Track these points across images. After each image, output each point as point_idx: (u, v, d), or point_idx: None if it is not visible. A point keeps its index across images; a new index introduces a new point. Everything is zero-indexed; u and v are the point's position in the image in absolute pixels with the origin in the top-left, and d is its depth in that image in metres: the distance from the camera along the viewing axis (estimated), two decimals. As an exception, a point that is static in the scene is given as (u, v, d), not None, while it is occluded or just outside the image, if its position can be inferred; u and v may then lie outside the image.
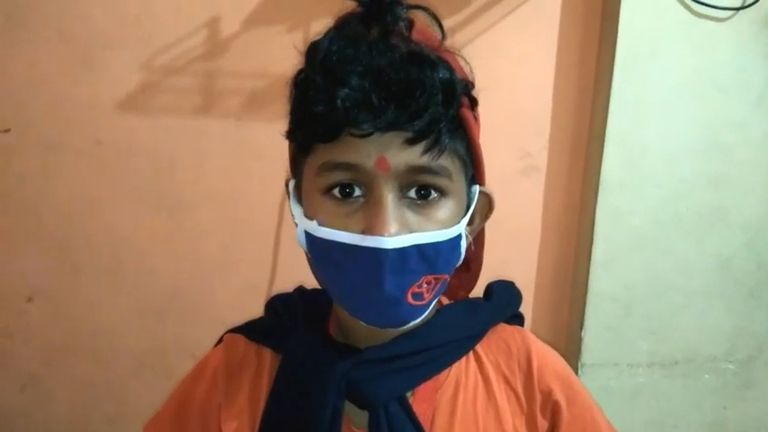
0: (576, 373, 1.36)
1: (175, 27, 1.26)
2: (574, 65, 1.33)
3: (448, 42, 0.55)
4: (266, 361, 0.63)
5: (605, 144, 1.29)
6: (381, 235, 0.48)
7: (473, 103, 0.55)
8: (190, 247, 1.36)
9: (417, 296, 0.53)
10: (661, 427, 1.42)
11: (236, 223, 1.35)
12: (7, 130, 1.28)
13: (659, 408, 1.40)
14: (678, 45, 1.27)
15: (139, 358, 1.41)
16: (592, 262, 1.33)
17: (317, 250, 0.53)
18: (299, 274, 0.69)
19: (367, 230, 0.49)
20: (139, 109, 1.29)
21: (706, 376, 1.40)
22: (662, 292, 1.36)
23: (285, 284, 0.71)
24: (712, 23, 1.27)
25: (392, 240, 0.49)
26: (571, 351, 1.38)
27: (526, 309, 1.40)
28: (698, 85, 1.29)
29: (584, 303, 1.35)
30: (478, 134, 0.57)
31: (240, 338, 0.66)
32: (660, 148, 1.30)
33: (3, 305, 1.38)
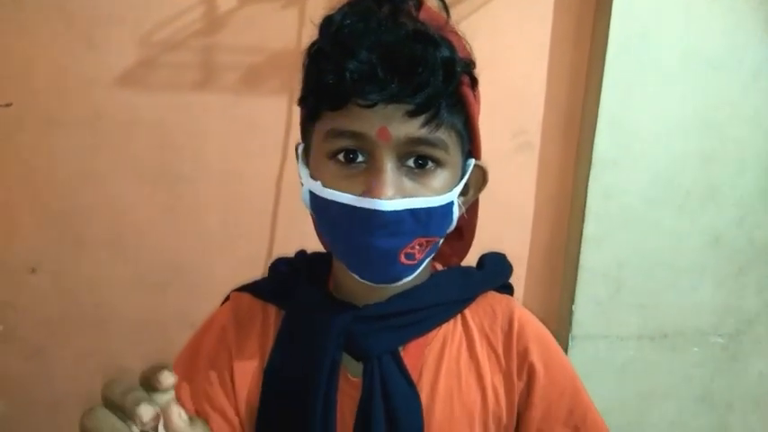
0: (567, 345, 1.39)
1: (173, 3, 1.27)
2: (568, 43, 1.34)
3: (453, 23, 0.58)
4: (271, 316, 0.67)
5: (598, 121, 1.30)
6: (379, 198, 0.52)
7: (473, 82, 0.58)
8: (189, 221, 1.38)
9: (409, 256, 0.57)
10: (650, 398, 1.45)
11: (235, 196, 1.37)
12: (9, 105, 1.30)
13: (648, 379, 1.44)
14: (672, 23, 1.28)
15: (140, 329, 1.44)
16: (583, 238, 1.36)
17: (320, 209, 0.57)
18: (296, 246, 0.74)
19: (366, 193, 0.53)
20: (139, 84, 1.31)
21: (694, 349, 1.43)
22: (652, 267, 1.39)
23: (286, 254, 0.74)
24: (706, 1, 1.27)
25: (388, 203, 0.53)
26: (562, 324, 1.41)
27: (519, 283, 1.44)
28: (691, 63, 1.30)
29: (575, 278, 1.37)
30: (478, 112, 0.60)
31: (246, 296, 0.70)
32: (652, 125, 1.32)
33: (7, 277, 1.41)
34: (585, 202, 1.34)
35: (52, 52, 1.29)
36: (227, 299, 0.72)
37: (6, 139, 1.33)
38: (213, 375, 0.66)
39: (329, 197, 0.55)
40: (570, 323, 1.39)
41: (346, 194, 0.54)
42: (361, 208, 0.53)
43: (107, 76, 1.30)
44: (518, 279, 1.44)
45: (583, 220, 1.35)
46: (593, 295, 1.38)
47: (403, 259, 0.56)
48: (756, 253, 1.41)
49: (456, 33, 0.58)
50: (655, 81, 1.30)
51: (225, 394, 0.65)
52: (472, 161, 0.61)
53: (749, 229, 1.39)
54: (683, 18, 1.27)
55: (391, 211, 0.53)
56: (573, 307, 1.38)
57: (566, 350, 1.35)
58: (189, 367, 0.68)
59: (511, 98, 1.35)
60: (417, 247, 0.57)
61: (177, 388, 0.66)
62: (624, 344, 1.41)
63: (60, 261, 1.40)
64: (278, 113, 1.29)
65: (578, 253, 1.36)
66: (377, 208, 0.53)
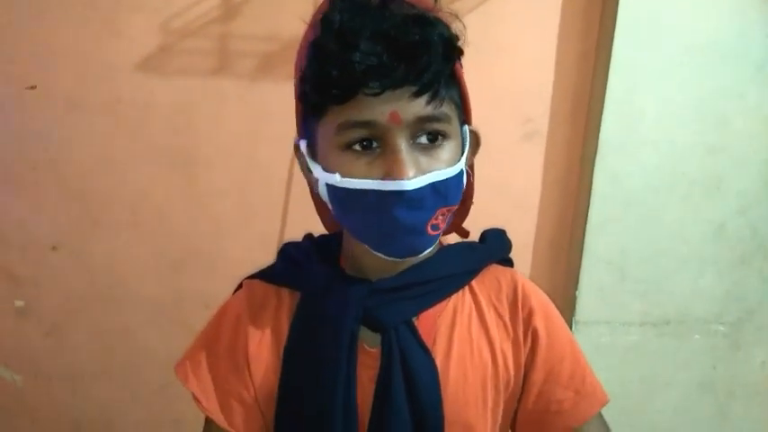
0: (570, 330, 1.42)
1: (191, -9, 1.31)
2: (576, 30, 1.36)
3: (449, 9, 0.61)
4: (285, 299, 0.70)
5: (604, 110, 1.32)
6: (401, 179, 0.55)
7: (460, 53, 0.61)
8: (204, 203, 1.42)
9: (435, 227, 0.60)
10: (652, 384, 1.47)
11: (249, 180, 1.41)
12: (33, 87, 1.35)
13: (650, 365, 1.46)
14: (680, 12, 1.29)
15: (156, 308, 1.49)
16: (588, 225, 1.38)
17: (340, 199, 0.60)
18: (307, 229, 0.76)
19: (387, 176, 0.56)
20: (157, 70, 1.35)
21: (696, 337, 1.45)
22: (656, 255, 1.41)
23: (295, 239, 0.76)
24: (713, -9, 1.29)
25: (411, 183, 0.55)
26: (566, 309, 1.44)
27: (525, 267, 1.46)
28: (698, 52, 1.31)
29: (579, 264, 1.40)
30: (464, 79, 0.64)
31: (258, 282, 0.72)
32: (658, 113, 1.34)
33: (29, 254, 1.46)
34: (591, 190, 1.36)
35: (75, 37, 1.33)
36: (239, 287, 0.74)
37: (30, 120, 1.38)
38: (232, 365, 0.69)
39: (351, 186, 0.57)
40: (574, 308, 1.42)
41: (369, 180, 0.56)
42: (386, 191, 0.56)
43: (127, 61, 1.35)
44: (524, 264, 1.47)
45: (588, 208, 1.37)
46: (597, 281, 1.41)
47: (430, 230, 0.60)
48: (759, 242, 1.42)
49: (441, 11, 0.60)
50: (662, 70, 1.32)
51: (244, 384, 0.68)
52: (466, 127, 0.65)
53: (753, 219, 1.41)
54: (690, 7, 1.29)
55: (415, 189, 0.56)
56: (576, 293, 1.41)
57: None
58: (208, 357, 0.70)
59: (519, 86, 1.37)
60: (440, 217, 0.60)
61: (199, 381, 0.69)
62: (627, 330, 1.44)
63: (80, 240, 1.45)
64: (292, 99, 1.30)
65: (583, 239, 1.39)
66: (402, 189, 0.55)
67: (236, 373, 0.68)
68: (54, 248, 1.45)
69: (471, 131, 0.66)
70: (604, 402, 0.69)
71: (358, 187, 0.57)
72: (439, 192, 0.58)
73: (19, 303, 1.49)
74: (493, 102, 1.34)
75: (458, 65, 0.61)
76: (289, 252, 0.73)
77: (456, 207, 0.63)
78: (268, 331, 0.69)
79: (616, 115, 1.33)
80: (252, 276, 0.73)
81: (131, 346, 1.52)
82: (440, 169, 0.58)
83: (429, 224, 0.59)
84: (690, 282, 1.43)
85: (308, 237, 0.75)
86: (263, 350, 0.68)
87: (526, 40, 1.36)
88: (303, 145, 0.64)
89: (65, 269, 1.47)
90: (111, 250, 1.46)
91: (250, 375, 0.68)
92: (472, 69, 0.65)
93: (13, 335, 1.51)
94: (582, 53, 1.38)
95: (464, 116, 0.64)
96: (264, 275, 0.72)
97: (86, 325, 1.50)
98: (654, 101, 1.33)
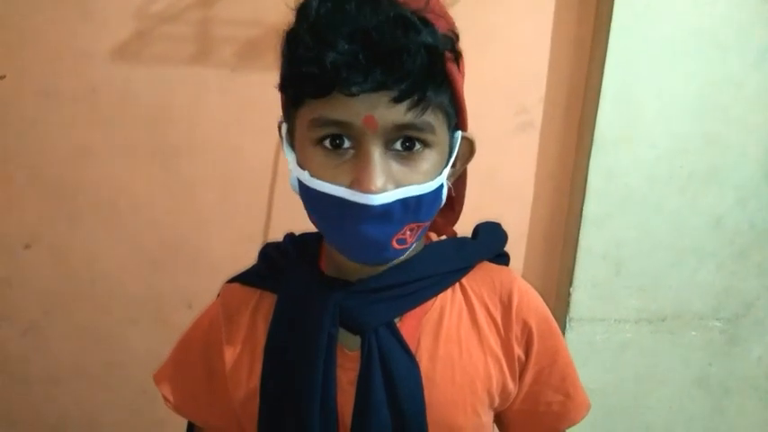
0: (564, 327, 1.39)
1: (169, -26, 1.25)
2: (571, 20, 1.32)
3: None
4: (264, 300, 0.68)
5: (600, 100, 1.28)
6: (369, 191, 0.52)
7: (457, 55, 0.57)
8: (185, 197, 1.37)
9: (401, 241, 0.57)
10: (647, 381, 1.45)
11: (232, 172, 1.36)
12: (3, 77, 1.28)
13: (646, 363, 1.43)
14: (678, 1, 1.25)
15: (136, 306, 1.44)
16: (583, 219, 1.34)
17: (309, 198, 0.57)
18: (293, 224, 0.73)
19: (355, 184, 0.53)
20: (134, 57, 1.29)
21: (693, 333, 1.43)
22: (652, 249, 1.37)
23: (280, 234, 0.74)
24: (713, -22, 1.25)
25: (378, 197, 0.52)
26: (559, 306, 1.40)
27: (517, 263, 1.42)
28: (696, 43, 1.27)
29: (574, 259, 1.36)
30: (462, 84, 0.59)
31: (236, 286, 0.71)
32: (655, 105, 1.30)
33: (1, 252, 1.40)
34: (586, 183, 1.32)
35: (46, 24, 1.27)
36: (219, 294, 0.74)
37: (1, 111, 1.31)
38: (206, 371, 0.69)
39: (318, 188, 0.55)
40: (568, 305, 1.38)
41: (335, 186, 0.53)
42: (351, 201, 0.53)
43: (102, 48, 1.28)
44: (517, 259, 1.43)
45: (583, 201, 1.33)
46: (591, 277, 1.37)
47: (395, 244, 0.57)
48: (757, 236, 1.39)
49: (439, 5, 0.56)
50: (659, 60, 1.27)
51: (221, 388, 0.67)
52: (459, 134, 0.61)
53: (751, 212, 1.38)
54: (688, -5, 1.25)
55: (381, 205, 0.53)
56: (571, 289, 1.37)
57: (563, 333, 1.35)
58: (184, 365, 0.72)
59: (512, 76, 1.33)
60: (408, 232, 0.57)
61: (173, 389, 0.71)
62: (622, 327, 1.41)
63: (56, 236, 1.39)
64: (275, 88, 1.27)
65: (578, 234, 1.35)
66: (367, 203, 0.52)
67: (212, 378, 0.69)
68: (27, 246, 1.39)
69: (464, 138, 0.62)
70: (589, 409, 0.70)
71: (325, 191, 0.54)
72: (409, 207, 0.55)
73: (-9, 304, 1.44)
74: (485, 91, 1.29)
75: (452, 67, 0.55)
76: (268, 253, 0.72)
77: (428, 223, 0.60)
78: (244, 334, 0.67)
79: (612, 105, 1.28)
80: (232, 280, 0.73)
81: (112, 346, 1.47)
82: (415, 183, 0.54)
83: (395, 238, 0.56)
84: (687, 276, 1.40)
85: (289, 236, 0.73)
86: (240, 354, 0.67)
87: (519, 26, 1.31)
88: (284, 129, 0.62)
89: (41, 266, 1.41)
90: (89, 246, 1.40)
91: (227, 380, 0.67)
92: (464, 57, 0.60)
93: (-14, 336, 1.46)
94: (577, 41, 1.33)
95: (457, 121, 0.60)
96: (243, 278, 0.72)
97: (64, 325, 1.45)
98: (651, 91, 1.29)
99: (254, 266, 0.73)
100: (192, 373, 0.71)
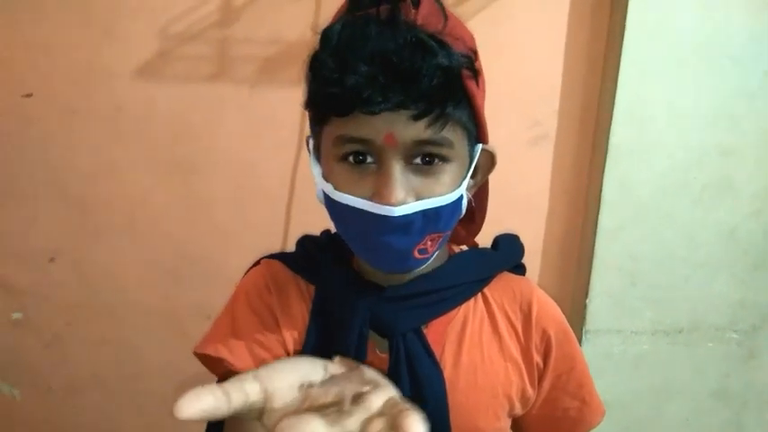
0: (580, 339, 1.39)
1: (190, -5, 1.29)
2: (584, 34, 1.33)
3: (457, 12, 0.59)
4: (302, 287, 0.70)
5: (614, 112, 1.29)
6: (389, 203, 0.55)
7: (476, 72, 0.59)
8: (204, 212, 1.40)
9: (422, 251, 0.60)
10: (664, 393, 1.44)
11: (250, 188, 1.38)
12: (29, 95, 1.33)
13: (662, 375, 1.43)
14: (690, 13, 1.26)
15: (156, 318, 1.46)
16: (598, 230, 1.35)
17: (334, 209, 0.61)
18: None
19: (376, 197, 0.56)
20: (156, 76, 1.33)
21: (710, 345, 1.42)
22: (667, 261, 1.37)
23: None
24: (724, -8, 1.26)
25: (398, 209, 0.55)
26: (576, 318, 1.40)
27: (533, 275, 1.43)
28: (709, 54, 1.28)
29: (589, 271, 1.37)
30: (483, 99, 0.61)
31: (278, 263, 0.72)
32: (669, 116, 1.30)
33: (27, 265, 1.44)
34: (601, 195, 1.33)
35: (72, 43, 1.31)
36: (256, 263, 0.75)
37: (27, 128, 1.35)
38: (260, 323, 0.68)
39: (342, 201, 0.58)
40: (584, 317, 1.38)
41: (358, 199, 0.56)
42: (373, 213, 0.56)
43: (125, 67, 1.32)
44: (532, 271, 1.44)
45: (598, 213, 1.34)
46: (607, 289, 1.37)
47: (416, 254, 0.60)
48: (773, 247, 1.39)
49: (457, 26, 0.58)
50: (672, 72, 1.29)
51: (276, 338, 0.66)
52: (479, 146, 0.63)
53: (765, 223, 1.38)
54: (700, 8, 1.26)
55: (402, 216, 0.55)
56: (587, 301, 1.38)
57: (579, 344, 1.35)
58: (234, 321, 0.69)
59: (526, 90, 1.34)
60: (429, 242, 0.60)
61: (225, 346, 0.67)
62: (638, 338, 1.41)
63: (78, 250, 1.43)
64: (293, 105, 1.26)
65: (593, 246, 1.35)
66: (387, 214, 0.55)
67: (266, 329, 0.67)
68: (52, 260, 1.43)
69: (485, 150, 0.64)
70: (603, 415, 0.73)
71: (347, 203, 0.57)
72: (429, 219, 0.58)
73: (17, 315, 1.47)
74: (500, 105, 1.31)
75: (471, 84, 0.58)
76: (306, 245, 0.74)
77: (448, 233, 0.62)
78: (295, 309, 0.68)
79: (626, 117, 1.30)
80: (272, 256, 0.74)
81: (131, 357, 1.49)
82: (434, 195, 0.57)
83: (416, 248, 0.59)
84: (702, 288, 1.39)
85: (326, 233, 0.76)
86: (293, 325, 0.67)
87: (533, 41, 1.33)
88: (311, 144, 0.65)
89: (63, 279, 1.44)
90: (111, 260, 1.43)
91: (281, 333, 0.67)
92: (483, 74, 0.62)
93: (11, 348, 1.49)
94: (591, 54, 1.35)
95: (477, 135, 0.62)
96: (284, 259, 0.73)
97: (86, 336, 1.48)
98: (664, 102, 1.30)
99: (293, 253, 0.74)
100: (246, 323, 0.68)
